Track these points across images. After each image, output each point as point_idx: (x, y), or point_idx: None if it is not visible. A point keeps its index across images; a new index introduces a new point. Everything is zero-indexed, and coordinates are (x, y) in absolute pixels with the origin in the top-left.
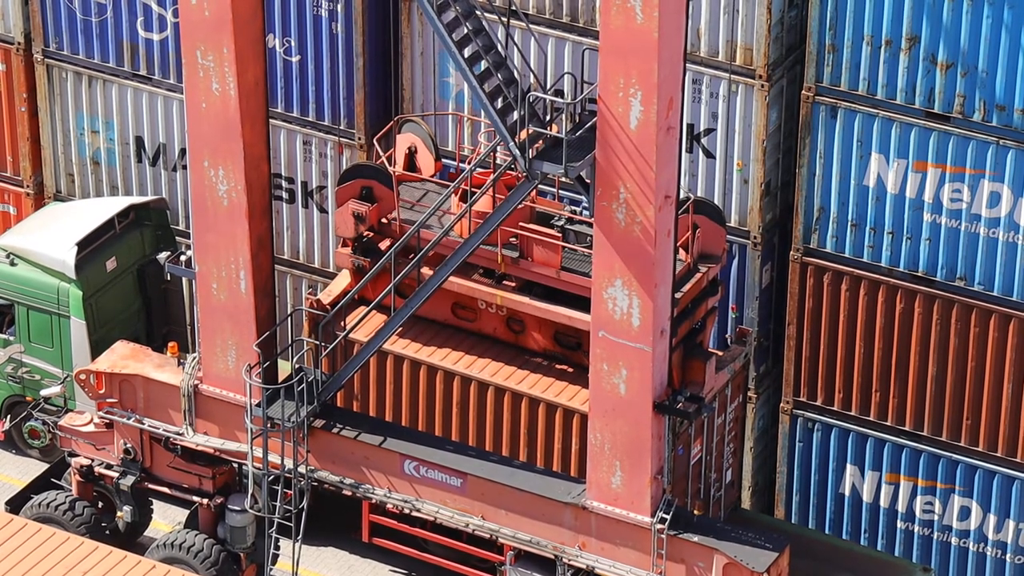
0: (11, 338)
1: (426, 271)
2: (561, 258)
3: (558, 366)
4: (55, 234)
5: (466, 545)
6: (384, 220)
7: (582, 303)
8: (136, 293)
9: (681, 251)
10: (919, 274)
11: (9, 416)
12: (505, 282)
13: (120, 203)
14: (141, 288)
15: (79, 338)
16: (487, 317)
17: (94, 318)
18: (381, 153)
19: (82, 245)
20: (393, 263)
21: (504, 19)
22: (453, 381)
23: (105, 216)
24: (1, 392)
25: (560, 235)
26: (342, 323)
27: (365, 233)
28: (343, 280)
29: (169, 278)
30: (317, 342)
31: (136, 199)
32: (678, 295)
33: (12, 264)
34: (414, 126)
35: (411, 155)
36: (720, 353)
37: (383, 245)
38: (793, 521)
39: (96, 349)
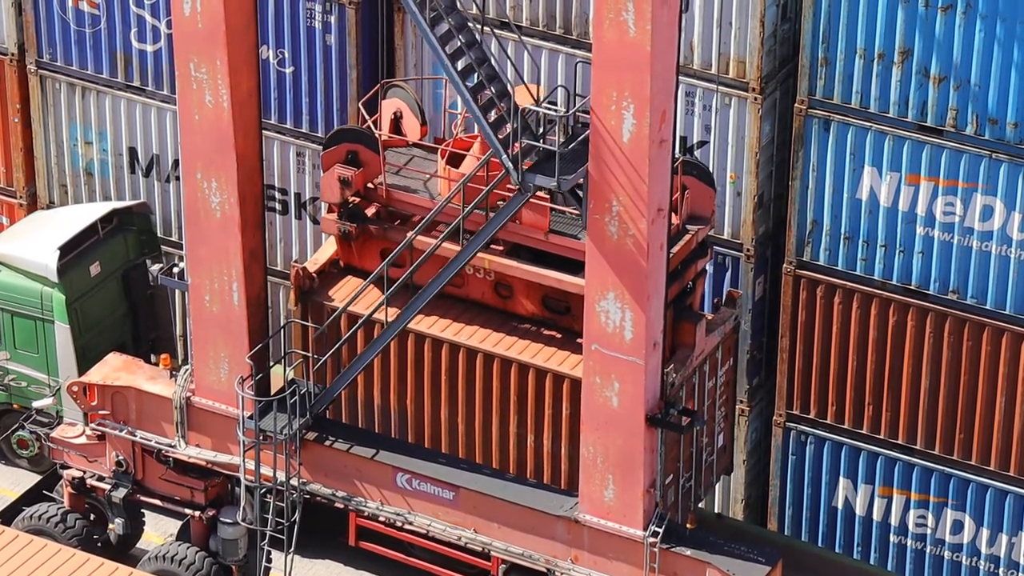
0: None
1: (418, 238)
2: (549, 220)
3: (547, 331)
4: (38, 240)
5: (452, 550)
6: (370, 185)
7: (571, 266)
8: (121, 298)
9: (671, 213)
10: (912, 287)
11: None
12: (493, 246)
13: (103, 208)
14: (126, 293)
15: (64, 343)
16: (475, 283)
17: (79, 323)
18: (367, 117)
19: (65, 250)
20: (386, 273)
21: (495, 30)
22: (441, 349)
23: (88, 221)
24: None
25: (548, 196)
26: (328, 293)
27: (351, 198)
28: (329, 248)
29: (155, 282)
30: (308, 354)
31: (119, 204)
32: (668, 255)
33: None
34: (399, 91)
35: (396, 120)
36: (710, 316)
37: (369, 211)
38: (786, 534)
39: (81, 354)
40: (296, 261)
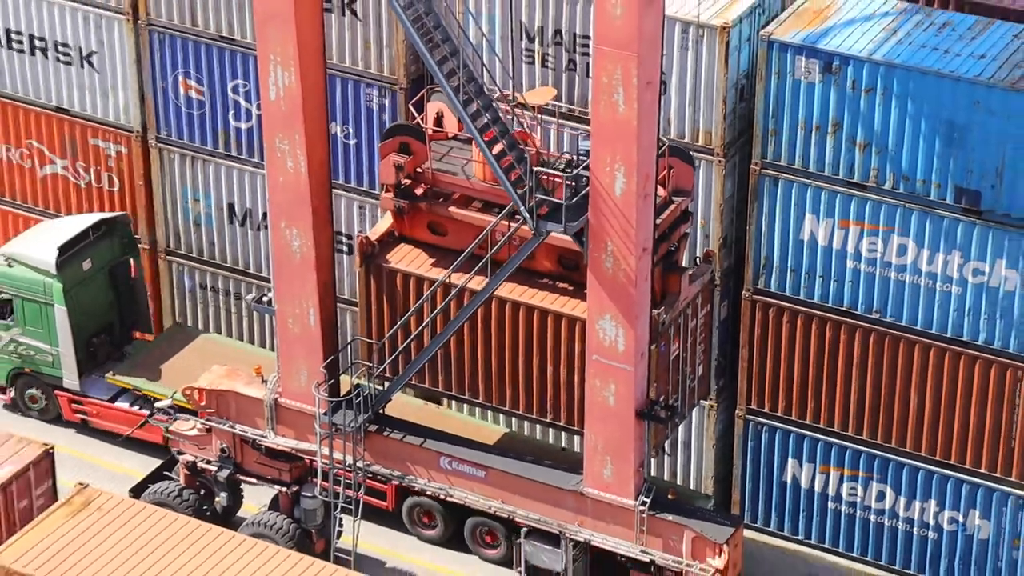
0: (12, 323)
1: (455, 210)
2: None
3: (561, 284)
4: (43, 242)
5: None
6: (419, 169)
7: None
8: (108, 288)
9: (659, 187)
10: (844, 309)
11: (14, 388)
12: (518, 215)
13: (93, 218)
14: (112, 284)
15: (62, 322)
16: (504, 247)
17: (74, 306)
18: (416, 115)
19: (63, 249)
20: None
21: (514, 108)
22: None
23: (81, 227)
24: (5, 366)
25: (562, 175)
26: (386, 257)
27: (403, 180)
28: (386, 221)
29: (135, 275)
30: (370, 364)
31: (106, 215)
32: (657, 221)
33: (10, 266)
34: (441, 95)
35: (439, 118)
36: (691, 270)
37: (418, 190)
38: (746, 506)
39: (76, 331)
40: (360, 232)
